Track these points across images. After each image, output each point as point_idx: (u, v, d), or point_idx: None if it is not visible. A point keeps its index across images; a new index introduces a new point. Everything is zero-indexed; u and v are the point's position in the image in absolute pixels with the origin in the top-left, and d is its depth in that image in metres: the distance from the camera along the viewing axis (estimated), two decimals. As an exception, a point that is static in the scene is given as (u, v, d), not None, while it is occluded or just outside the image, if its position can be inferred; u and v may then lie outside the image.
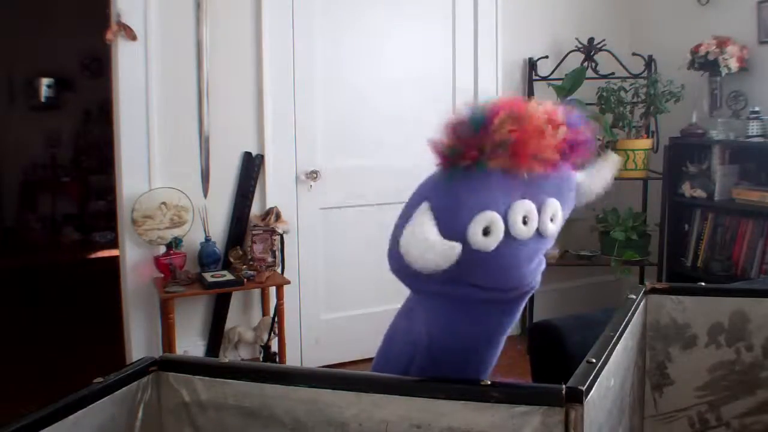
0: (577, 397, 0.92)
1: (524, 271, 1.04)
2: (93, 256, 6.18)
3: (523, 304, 1.12)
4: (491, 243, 0.99)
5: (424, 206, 0.99)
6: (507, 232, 1.00)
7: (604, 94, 3.55)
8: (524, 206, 1.01)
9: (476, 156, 0.97)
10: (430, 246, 0.95)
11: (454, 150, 0.98)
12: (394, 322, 1.30)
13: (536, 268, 1.08)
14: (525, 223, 1.01)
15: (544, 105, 1.03)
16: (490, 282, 1.04)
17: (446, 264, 0.97)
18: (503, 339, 1.14)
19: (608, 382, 1.10)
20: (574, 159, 1.06)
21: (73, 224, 6.83)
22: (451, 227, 0.98)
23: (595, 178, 1.15)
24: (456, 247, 0.96)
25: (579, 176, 1.13)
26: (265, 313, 3.22)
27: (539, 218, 1.03)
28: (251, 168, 3.17)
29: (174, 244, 2.94)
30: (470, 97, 3.65)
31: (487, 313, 1.09)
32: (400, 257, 0.99)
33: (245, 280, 2.96)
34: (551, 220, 1.05)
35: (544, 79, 3.71)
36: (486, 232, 0.98)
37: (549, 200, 1.04)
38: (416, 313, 1.17)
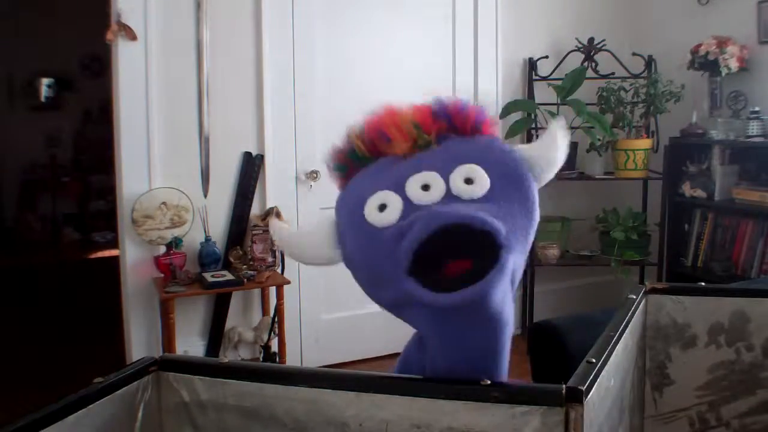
0: (577, 397, 0.92)
1: (442, 214, 0.95)
2: (93, 256, 6.18)
3: (504, 306, 0.99)
4: (389, 216, 1.02)
5: (327, 217, 1.14)
6: (411, 203, 1.03)
7: (604, 94, 3.55)
8: (421, 177, 1.05)
9: (346, 159, 1.16)
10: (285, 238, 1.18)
11: (330, 161, 1.20)
12: (406, 351, 1.25)
13: (472, 216, 0.94)
14: (427, 190, 1.04)
15: (413, 103, 1.19)
16: (411, 242, 0.94)
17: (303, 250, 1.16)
18: (501, 349, 1.04)
19: (608, 382, 1.10)
20: (469, 129, 1.13)
21: (73, 224, 6.83)
22: (356, 221, 1.06)
23: (542, 147, 1.14)
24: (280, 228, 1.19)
25: (521, 147, 1.14)
26: (265, 313, 3.22)
27: (448, 184, 1.04)
28: (251, 168, 3.17)
29: (174, 244, 2.94)
30: (470, 97, 3.65)
31: (467, 326, 1.00)
32: (369, 294, 1.11)
33: (245, 280, 2.96)
34: (467, 182, 1.04)
35: (544, 79, 3.71)
36: (382, 208, 1.03)
37: (459, 166, 1.05)
38: (427, 342, 1.11)
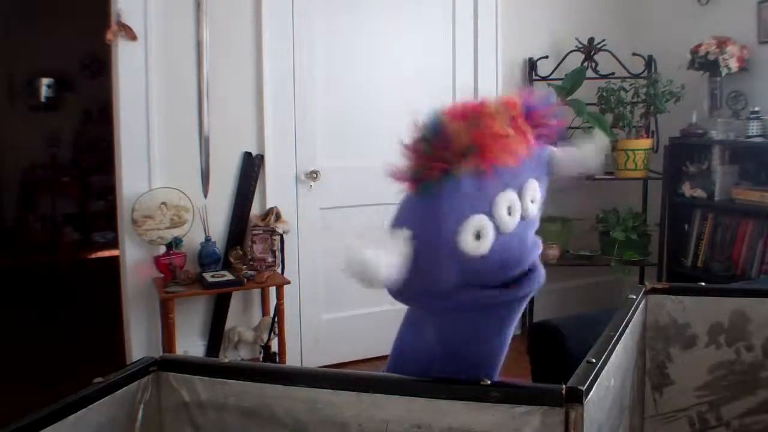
0: (577, 397, 0.92)
1: (521, 258, 1.04)
2: (93, 256, 6.18)
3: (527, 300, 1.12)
4: (485, 245, 0.98)
5: (403, 234, 0.96)
6: (497, 228, 0.99)
7: (604, 94, 3.55)
8: (507, 197, 1.00)
9: (441, 168, 0.96)
10: (374, 265, 0.89)
11: (417, 170, 0.97)
12: (400, 335, 1.28)
13: (532, 250, 1.07)
14: (510, 213, 1.00)
15: (500, 98, 1.04)
16: (493, 278, 1.03)
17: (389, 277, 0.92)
18: (511, 333, 1.14)
19: (608, 382, 1.10)
20: (540, 137, 1.07)
21: (73, 224, 6.83)
22: (439, 243, 0.97)
23: (573, 155, 1.13)
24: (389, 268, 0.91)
25: (555, 151, 1.11)
26: (265, 313, 3.22)
27: (521, 204, 1.03)
28: (251, 168, 3.17)
29: (174, 244, 2.94)
30: (470, 97, 3.65)
31: (493, 314, 1.08)
32: (400, 288, 0.98)
33: (245, 280, 2.96)
34: (531, 201, 1.04)
35: (544, 79, 3.71)
36: (478, 236, 0.97)
37: (527, 183, 1.04)
38: (423, 327, 1.15)
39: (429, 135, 0.98)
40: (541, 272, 1.07)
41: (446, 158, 0.96)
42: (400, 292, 1.02)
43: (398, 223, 0.99)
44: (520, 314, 1.12)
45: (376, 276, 0.89)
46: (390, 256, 0.91)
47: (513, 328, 1.13)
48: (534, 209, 1.05)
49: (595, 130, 1.10)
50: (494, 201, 0.99)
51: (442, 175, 0.96)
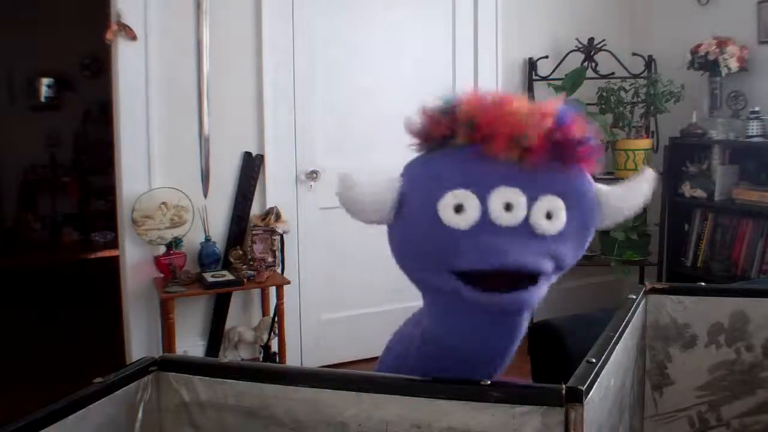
0: (577, 397, 0.92)
1: (508, 254, 0.96)
2: (93, 256, 6.18)
3: (521, 321, 1.06)
4: (462, 221, 0.97)
5: (395, 178, 1.04)
6: (488, 216, 0.97)
7: (604, 94, 3.55)
8: (508, 192, 0.97)
9: (443, 134, 1.02)
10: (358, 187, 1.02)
11: (423, 129, 1.04)
12: (400, 328, 1.29)
13: (535, 258, 0.98)
14: (509, 210, 0.97)
15: (541, 101, 1.03)
16: (467, 263, 0.97)
17: (377, 210, 1.02)
18: (506, 351, 1.09)
19: (608, 382, 1.10)
20: (569, 157, 1.02)
21: (73, 224, 6.83)
22: (422, 201, 1.00)
23: (625, 194, 1.08)
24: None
25: (601, 188, 1.07)
26: (265, 313, 3.22)
27: (530, 210, 0.98)
28: (251, 168, 3.17)
29: (174, 244, 2.94)
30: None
31: (484, 320, 1.05)
32: (395, 251, 1.04)
33: (245, 280, 2.96)
34: (547, 217, 0.99)
35: (544, 79, 3.71)
36: (458, 209, 0.97)
37: (546, 195, 0.99)
38: (424, 312, 1.17)
39: (444, 102, 1.05)
40: (538, 290, 0.99)
41: (449, 124, 1.01)
42: (396, 257, 1.07)
43: (399, 174, 1.05)
44: (522, 327, 1.07)
45: (344, 187, 1.02)
46: (375, 181, 1.01)
47: (515, 340, 1.08)
48: (548, 226, 0.99)
49: (645, 167, 1.05)
50: (493, 190, 0.97)
51: (442, 140, 1.02)
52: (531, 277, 0.97)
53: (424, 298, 1.14)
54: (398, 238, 1.06)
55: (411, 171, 1.05)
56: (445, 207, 0.97)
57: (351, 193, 1.02)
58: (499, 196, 0.97)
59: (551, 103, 1.02)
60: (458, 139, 1.01)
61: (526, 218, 0.98)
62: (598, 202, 1.06)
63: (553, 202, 0.99)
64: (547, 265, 0.98)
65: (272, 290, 3.13)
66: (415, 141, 1.06)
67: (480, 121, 0.99)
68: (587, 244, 1.07)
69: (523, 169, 0.98)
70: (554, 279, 1.05)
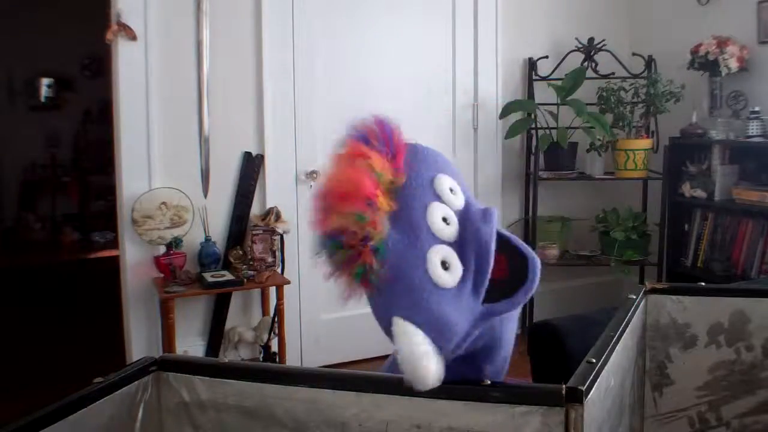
0: (577, 397, 0.92)
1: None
2: (93, 256, 6.18)
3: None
4: (454, 276, 0.93)
5: (399, 322, 0.96)
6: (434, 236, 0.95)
7: (604, 94, 3.55)
8: (435, 209, 0.96)
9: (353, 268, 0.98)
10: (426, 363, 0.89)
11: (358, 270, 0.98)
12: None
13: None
14: (447, 222, 0.96)
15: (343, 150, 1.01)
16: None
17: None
18: (509, 331, 1.09)
19: (608, 382, 1.10)
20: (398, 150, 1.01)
21: (73, 224, 6.83)
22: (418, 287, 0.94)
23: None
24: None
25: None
26: (265, 313, 3.22)
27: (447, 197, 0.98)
28: (251, 168, 3.17)
29: (174, 244, 2.94)
30: (470, 97, 3.65)
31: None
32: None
33: (245, 280, 2.96)
34: (451, 191, 0.99)
35: (544, 79, 3.71)
36: (445, 266, 0.93)
37: (438, 175, 1.00)
38: None
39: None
40: (535, 262, 0.99)
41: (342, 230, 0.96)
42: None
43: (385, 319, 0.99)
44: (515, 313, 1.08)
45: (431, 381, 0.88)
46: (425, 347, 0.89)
47: (511, 325, 1.08)
48: (458, 199, 0.99)
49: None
50: (426, 212, 0.96)
51: (363, 270, 0.97)
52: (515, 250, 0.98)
53: None
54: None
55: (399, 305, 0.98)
56: (435, 271, 0.93)
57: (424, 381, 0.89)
58: (436, 215, 0.96)
59: (354, 140, 1.02)
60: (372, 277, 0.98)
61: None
62: None
63: (443, 180, 1.00)
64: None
65: (272, 290, 3.13)
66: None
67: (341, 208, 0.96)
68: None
69: (408, 185, 0.98)
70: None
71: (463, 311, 0.92)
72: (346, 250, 0.95)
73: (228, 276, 2.96)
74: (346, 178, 0.96)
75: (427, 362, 0.87)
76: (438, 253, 0.93)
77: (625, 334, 1.24)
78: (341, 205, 0.95)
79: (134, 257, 3.00)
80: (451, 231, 0.95)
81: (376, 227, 0.92)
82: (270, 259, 3.07)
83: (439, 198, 0.98)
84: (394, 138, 1.01)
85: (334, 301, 3.38)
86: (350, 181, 0.95)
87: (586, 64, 3.68)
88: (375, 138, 1.00)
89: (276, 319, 3.06)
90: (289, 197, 3.26)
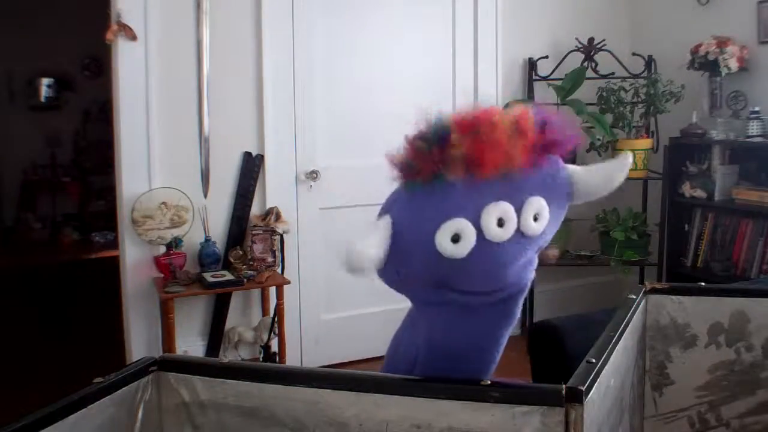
0: (577, 397, 0.92)
1: (507, 272, 1.02)
2: (93, 256, 6.18)
3: (520, 303, 1.11)
4: (461, 250, 0.97)
5: (385, 221, 1.01)
6: (483, 236, 0.98)
7: (604, 94, 3.55)
8: (498, 208, 0.99)
9: (433, 170, 0.99)
10: (363, 256, 0.97)
11: (411, 165, 1.00)
12: (397, 333, 1.29)
13: (523, 268, 1.06)
14: (501, 225, 0.99)
15: (514, 111, 1.02)
16: (472, 286, 1.03)
17: (373, 268, 0.99)
18: (504, 338, 1.13)
19: (608, 382, 1.10)
20: (552, 155, 1.06)
21: (73, 224, 6.83)
22: (417, 238, 0.99)
23: (598, 174, 1.11)
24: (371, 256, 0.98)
25: (575, 169, 1.10)
26: (265, 313, 3.22)
27: (520, 217, 1.00)
28: (251, 168, 3.17)
29: (174, 244, 2.94)
30: (470, 97, 3.65)
31: (483, 315, 1.08)
32: (382, 271, 1.03)
33: (245, 280, 2.96)
34: (535, 219, 1.02)
35: (544, 79, 3.71)
36: (455, 239, 0.97)
37: (530, 198, 1.02)
38: (417, 322, 1.17)
39: (430, 135, 0.99)
40: (532, 271, 1.07)
41: (439, 160, 0.98)
42: (383, 275, 1.05)
43: (384, 210, 1.04)
44: (510, 322, 1.10)
45: (360, 264, 0.95)
46: (374, 240, 0.98)
47: (502, 336, 1.12)
48: (537, 227, 1.02)
49: (624, 153, 1.07)
50: (483, 210, 0.98)
51: (432, 176, 0.99)
52: None
53: (419, 312, 1.15)
54: (391, 269, 1.04)
55: (399, 211, 1.03)
56: (442, 239, 0.97)
57: (356, 265, 0.98)
58: (491, 215, 0.99)
59: (525, 112, 1.03)
60: (448, 174, 0.99)
61: (518, 226, 1.01)
62: (570, 182, 1.09)
63: (537, 203, 1.02)
64: (534, 268, 1.06)
65: (272, 290, 3.13)
66: (400, 174, 1.03)
67: (470, 153, 0.98)
68: (560, 223, 1.11)
69: (509, 181, 1.00)
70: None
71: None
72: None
73: (228, 276, 2.96)
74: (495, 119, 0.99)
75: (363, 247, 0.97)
76: (454, 227, 0.97)
77: (625, 334, 1.24)
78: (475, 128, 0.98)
79: (134, 257, 3.00)
80: (502, 232, 0.99)
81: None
82: (270, 259, 3.07)
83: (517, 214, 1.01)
84: (551, 143, 1.04)
85: (334, 301, 3.40)
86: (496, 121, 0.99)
87: (586, 64, 3.68)
88: (548, 133, 1.03)
89: (276, 319, 3.06)
90: (289, 197, 3.26)
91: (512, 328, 1.13)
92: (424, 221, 0.99)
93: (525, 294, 1.10)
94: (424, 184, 0.99)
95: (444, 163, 0.98)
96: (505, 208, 0.99)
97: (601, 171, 1.12)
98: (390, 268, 1.03)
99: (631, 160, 1.13)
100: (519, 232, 1.01)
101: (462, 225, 0.97)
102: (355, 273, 0.97)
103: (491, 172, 0.98)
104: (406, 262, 1.01)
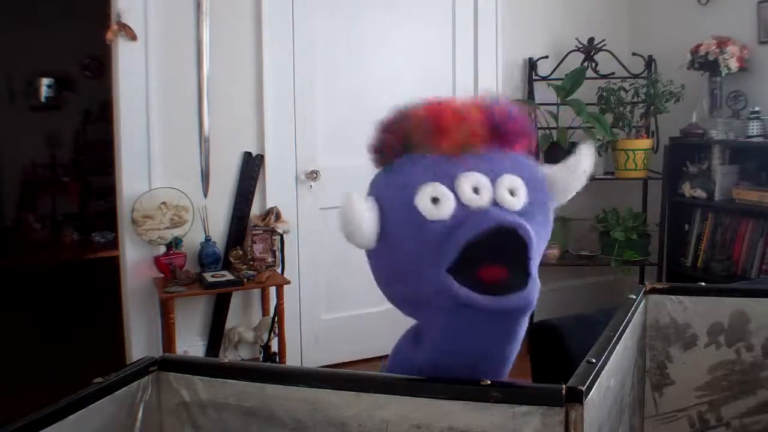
0: (577, 397, 0.92)
1: (498, 214, 1.02)
2: (93, 256, 6.18)
3: (523, 323, 1.06)
4: (443, 209, 1.00)
5: (369, 201, 1.07)
6: (461, 202, 1.01)
7: (604, 94, 3.55)
8: (471, 177, 1.03)
9: (400, 143, 1.09)
10: (355, 215, 1.03)
11: (379, 145, 1.12)
12: (398, 347, 1.27)
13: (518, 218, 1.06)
14: (477, 193, 1.02)
15: (471, 98, 1.11)
16: (464, 235, 1.00)
17: (368, 233, 1.04)
18: (514, 350, 1.09)
19: (608, 382, 1.10)
20: (510, 141, 1.10)
21: (73, 224, 6.83)
22: (400, 214, 1.03)
23: (566, 168, 1.14)
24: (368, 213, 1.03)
25: (548, 168, 1.14)
26: (265, 313, 3.22)
27: (494, 190, 1.03)
28: (251, 168, 3.17)
29: (174, 244, 2.94)
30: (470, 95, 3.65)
31: (485, 330, 1.05)
32: (385, 288, 1.10)
33: (245, 280, 2.96)
34: (511, 194, 1.04)
35: (544, 79, 3.71)
36: (435, 201, 1.01)
37: (504, 174, 1.05)
38: (423, 336, 1.14)
39: (392, 116, 1.13)
40: (536, 285, 1.01)
41: (403, 136, 1.09)
42: (387, 291, 1.12)
43: (367, 194, 1.10)
44: (523, 330, 1.06)
45: (359, 221, 1.02)
46: (367, 211, 1.04)
47: (517, 345, 1.08)
48: (513, 201, 1.04)
49: (581, 144, 1.11)
50: (457, 178, 1.03)
51: (401, 149, 1.09)
52: (524, 269, 1.00)
53: (422, 323, 1.14)
54: (384, 257, 1.09)
55: (379, 187, 1.10)
56: (423, 202, 1.01)
57: (352, 212, 1.03)
58: (466, 182, 1.03)
59: (483, 97, 1.13)
60: (413, 145, 1.07)
61: (493, 199, 1.03)
62: (550, 183, 1.12)
63: (512, 180, 1.06)
64: (533, 235, 1.02)
65: (272, 290, 3.13)
66: (375, 155, 1.14)
67: (428, 123, 1.07)
68: (551, 227, 1.12)
69: (479, 158, 1.06)
70: (536, 272, 1.07)
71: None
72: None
73: (228, 276, 2.96)
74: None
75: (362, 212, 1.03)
76: (433, 189, 1.02)
77: (625, 334, 1.24)
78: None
79: (134, 257, 3.00)
80: (478, 198, 1.02)
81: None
82: (270, 259, 3.07)
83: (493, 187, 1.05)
84: (505, 127, 1.10)
85: (334, 301, 3.40)
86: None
87: (586, 64, 3.68)
88: (497, 116, 1.09)
89: (276, 319, 3.06)
90: (289, 197, 3.26)
91: (517, 348, 1.09)
92: (402, 190, 1.04)
93: (530, 311, 1.04)
94: (394, 159, 1.09)
95: (407, 136, 1.08)
96: (478, 178, 1.03)
97: (568, 164, 1.15)
98: (389, 275, 1.08)
99: (592, 148, 1.17)
100: (495, 204, 1.03)
101: (439, 188, 1.02)
102: (352, 235, 1.03)
103: (453, 144, 1.05)
104: (394, 237, 1.04)
